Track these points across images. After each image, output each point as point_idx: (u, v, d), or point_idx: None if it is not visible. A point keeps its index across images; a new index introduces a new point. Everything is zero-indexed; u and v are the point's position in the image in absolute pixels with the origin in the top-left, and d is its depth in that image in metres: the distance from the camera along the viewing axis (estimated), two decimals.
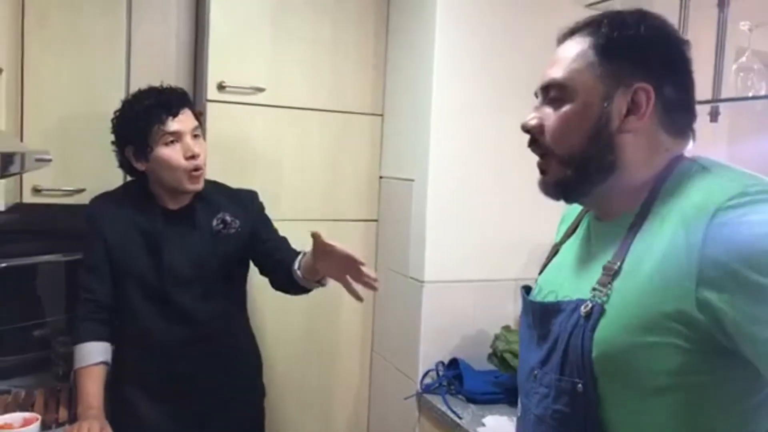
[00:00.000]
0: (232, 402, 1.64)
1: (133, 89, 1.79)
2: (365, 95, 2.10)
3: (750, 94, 1.64)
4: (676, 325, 0.75)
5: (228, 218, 1.63)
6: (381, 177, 2.14)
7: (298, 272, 1.54)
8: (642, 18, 0.85)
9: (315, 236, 1.39)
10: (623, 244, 0.85)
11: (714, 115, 1.77)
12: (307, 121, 2.02)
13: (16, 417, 1.42)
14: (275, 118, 1.97)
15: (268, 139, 1.97)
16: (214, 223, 1.62)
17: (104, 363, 1.55)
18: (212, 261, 1.60)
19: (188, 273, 1.58)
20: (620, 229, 0.86)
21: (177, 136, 1.54)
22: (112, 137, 1.60)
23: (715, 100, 1.73)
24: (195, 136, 1.57)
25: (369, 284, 1.40)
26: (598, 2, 1.90)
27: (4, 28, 1.48)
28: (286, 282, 1.60)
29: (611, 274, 0.83)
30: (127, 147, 1.57)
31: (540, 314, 0.95)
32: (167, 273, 1.56)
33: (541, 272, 1.05)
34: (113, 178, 1.81)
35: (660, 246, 0.79)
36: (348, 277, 1.41)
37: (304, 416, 2.10)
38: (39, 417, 1.43)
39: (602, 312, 0.82)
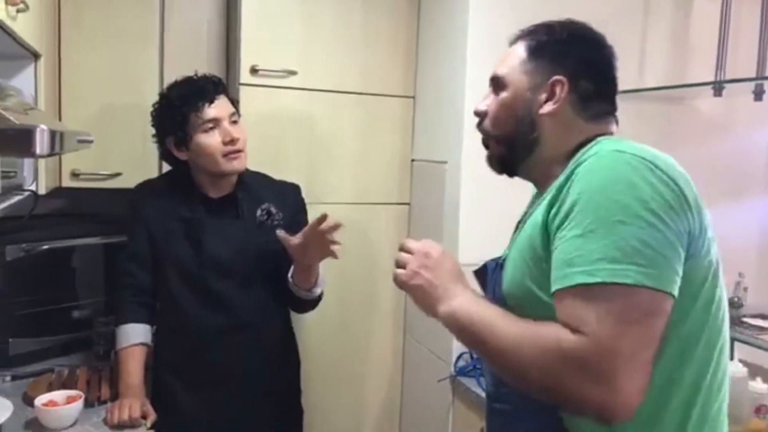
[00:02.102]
0: (267, 396, 1.64)
1: (167, 74, 1.82)
2: (397, 77, 2.08)
3: None
4: (539, 250, 0.90)
5: (273, 210, 1.64)
6: (413, 160, 2.12)
7: (291, 280, 1.58)
8: (568, 26, 1.03)
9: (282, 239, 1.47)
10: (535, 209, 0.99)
11: (758, 94, 1.71)
12: (338, 103, 2.01)
13: (60, 395, 1.47)
14: (307, 101, 1.97)
15: (300, 122, 1.97)
16: (258, 213, 1.63)
17: (144, 344, 1.58)
18: (254, 251, 1.61)
19: (228, 261, 1.59)
20: (542, 200, 0.99)
21: (215, 123, 1.54)
22: (152, 130, 1.62)
23: (760, 77, 1.68)
24: (233, 122, 1.58)
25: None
26: None
27: (41, 16, 1.51)
28: (291, 301, 1.65)
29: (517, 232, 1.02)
30: (167, 138, 1.58)
31: (482, 279, 1.11)
32: (207, 261, 1.58)
33: None
34: (149, 162, 1.84)
35: (546, 197, 0.93)
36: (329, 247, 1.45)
37: (338, 400, 2.12)
38: (82, 395, 1.47)
39: (506, 259, 1.01)
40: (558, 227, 0.86)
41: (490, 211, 1.88)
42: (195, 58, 1.86)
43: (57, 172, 1.79)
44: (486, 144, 1.09)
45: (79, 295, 1.95)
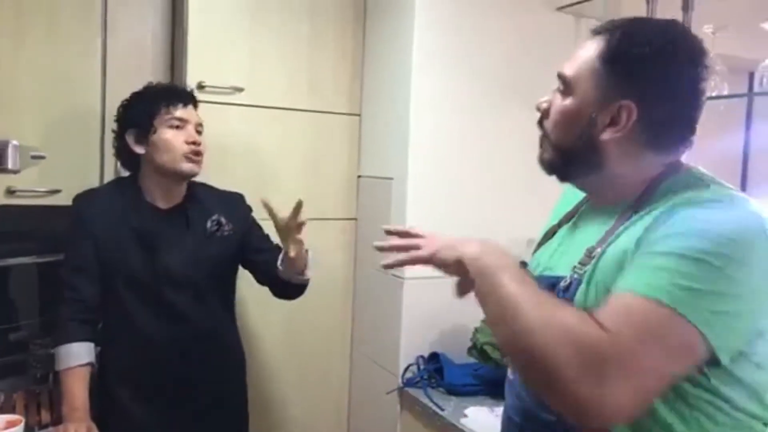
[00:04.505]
0: (219, 403, 1.64)
1: (110, 89, 1.79)
2: (343, 95, 2.12)
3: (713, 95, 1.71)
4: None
5: (223, 220, 1.64)
6: (359, 176, 2.16)
7: (281, 267, 1.59)
8: (658, 34, 0.86)
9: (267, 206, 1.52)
10: (609, 232, 0.90)
11: None
12: (285, 120, 2.03)
13: None
14: (254, 118, 1.97)
15: (247, 138, 1.97)
16: (209, 224, 1.63)
17: (90, 364, 1.54)
18: (206, 262, 1.60)
19: (182, 273, 1.58)
20: (608, 218, 0.92)
21: (183, 123, 1.57)
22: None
23: None
24: (198, 132, 1.61)
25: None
26: (569, 5, 1.97)
27: None
28: (282, 288, 1.65)
29: (591, 257, 0.89)
30: (128, 131, 1.57)
31: None
32: (161, 271, 1.56)
33: (535, 251, 1.11)
34: (90, 178, 1.79)
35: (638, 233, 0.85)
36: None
37: (285, 413, 2.11)
38: (22, 419, 1.41)
39: (579, 283, 0.89)
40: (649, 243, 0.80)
41: (435, 226, 1.89)
42: (139, 73, 1.83)
43: None
44: (541, 143, 0.98)
45: (12, 318, 1.87)
